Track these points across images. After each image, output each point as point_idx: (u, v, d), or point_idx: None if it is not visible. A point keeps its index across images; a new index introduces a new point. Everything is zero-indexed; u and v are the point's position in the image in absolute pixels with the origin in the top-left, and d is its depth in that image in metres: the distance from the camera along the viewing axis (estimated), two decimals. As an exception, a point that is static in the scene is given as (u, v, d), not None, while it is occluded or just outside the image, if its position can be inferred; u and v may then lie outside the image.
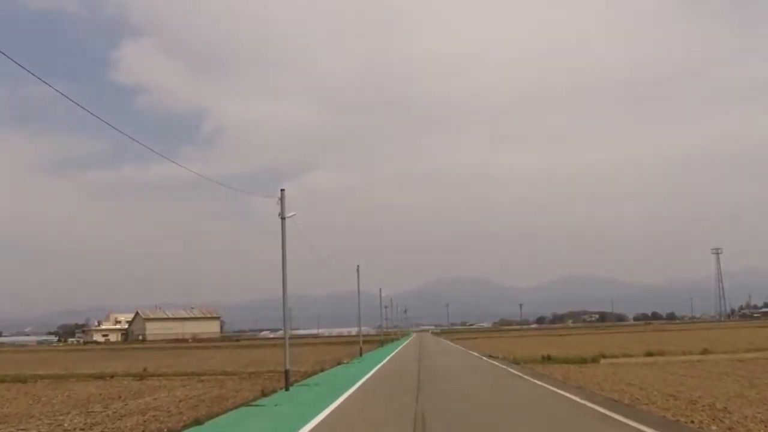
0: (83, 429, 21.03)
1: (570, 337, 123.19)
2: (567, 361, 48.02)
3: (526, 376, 35.29)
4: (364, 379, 36.82)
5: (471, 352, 74.98)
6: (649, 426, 17.08)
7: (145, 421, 22.17)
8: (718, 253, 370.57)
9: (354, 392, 29.00)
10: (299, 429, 17.75)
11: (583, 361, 47.30)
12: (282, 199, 32.20)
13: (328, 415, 20.91)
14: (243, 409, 24.35)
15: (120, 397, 31.27)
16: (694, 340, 78.62)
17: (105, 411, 25.70)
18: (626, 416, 18.92)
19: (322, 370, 47.72)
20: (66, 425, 21.85)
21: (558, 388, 28.18)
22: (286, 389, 31.34)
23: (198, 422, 20.02)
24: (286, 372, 31.90)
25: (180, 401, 28.72)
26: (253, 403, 26.18)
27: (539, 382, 31.24)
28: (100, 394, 33.18)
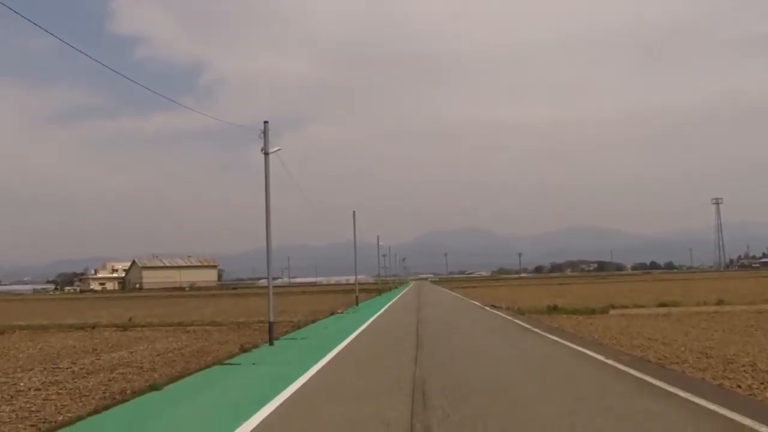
0: (39, 389, 18.57)
1: (571, 287, 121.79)
2: (575, 311, 45.64)
3: (536, 329, 32.32)
4: (357, 333, 33.77)
5: (472, 301, 72.45)
6: (696, 394, 13.95)
7: (110, 380, 19.78)
8: (718, 204, 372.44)
9: (344, 349, 25.83)
10: (267, 402, 14.47)
11: (591, 311, 45.03)
12: (265, 132, 29.09)
13: (309, 381, 17.72)
14: (215, 369, 21.27)
15: (95, 350, 29.08)
16: (704, 290, 76.26)
17: (72, 367, 23.43)
18: (663, 380, 15.83)
19: (314, 321, 44.97)
20: (22, 385, 19.45)
21: (575, 344, 25.11)
22: (270, 343, 28.50)
23: (155, 387, 16.96)
24: (270, 325, 29.04)
25: (158, 355, 26.58)
26: (229, 361, 23.16)
27: (553, 337, 28.22)
28: (74, 347, 30.92)
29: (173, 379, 19.01)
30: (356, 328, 36.33)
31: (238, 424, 12.13)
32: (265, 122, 29.36)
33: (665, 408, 12.75)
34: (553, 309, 47.41)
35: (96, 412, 14.19)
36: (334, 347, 26.17)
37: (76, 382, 19.71)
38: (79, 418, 13.49)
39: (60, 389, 18.33)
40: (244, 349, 26.21)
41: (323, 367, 20.39)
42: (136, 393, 16.56)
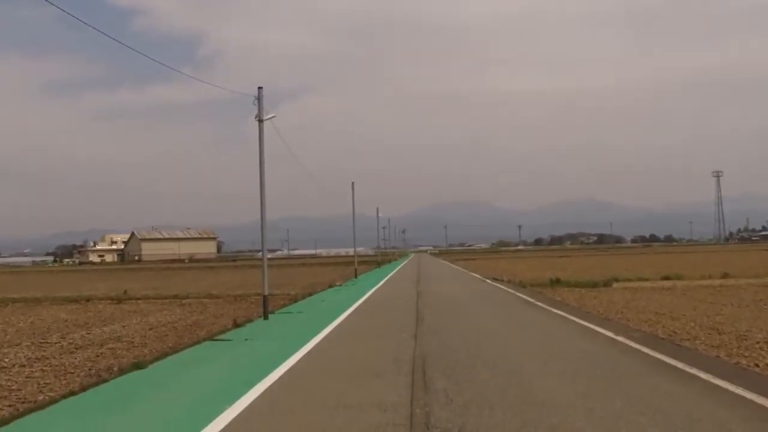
0: (23, 365, 17.78)
1: (572, 259, 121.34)
2: (577, 284, 44.81)
3: (539, 303, 31.34)
4: (354, 307, 32.70)
5: (472, 274, 71.66)
6: (717, 375, 12.97)
7: (97, 356, 19.00)
8: (718, 176, 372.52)
9: (340, 325, 24.79)
10: (255, 383, 13.39)
11: (594, 285, 44.17)
12: (259, 99, 27.99)
13: (301, 360, 16.61)
14: (206, 345, 20.29)
15: (86, 324, 28.26)
16: (706, 263, 75.46)
17: (61, 342, 22.66)
18: (678, 358, 14.81)
19: (311, 294, 44.08)
20: (6, 361, 18.67)
21: (581, 318, 24.16)
22: (265, 318, 27.52)
23: (139, 366, 15.99)
24: (264, 299, 28.09)
25: (150, 329, 25.81)
26: (221, 336, 22.17)
27: (557, 312, 27.24)
28: (66, 321, 30.13)
29: (161, 356, 18.06)
30: (354, 302, 35.34)
31: (222, 410, 11.14)
32: (260, 88, 28.26)
33: (686, 390, 11.81)
34: (556, 282, 46.58)
35: (72, 393, 13.22)
36: (331, 322, 25.21)
37: (62, 358, 18.94)
38: (53, 402, 12.57)
39: (45, 366, 17.55)
40: (237, 324, 25.23)
41: (317, 344, 19.35)
42: (121, 372, 15.62)
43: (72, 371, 16.56)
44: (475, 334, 20.76)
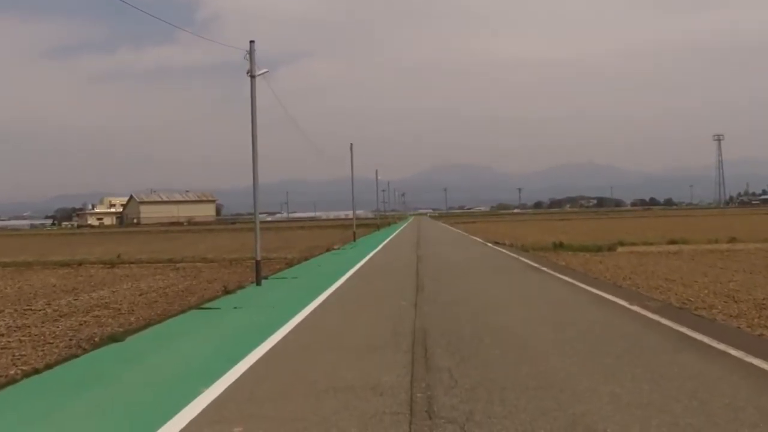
0: (2, 334, 16.71)
1: (573, 222, 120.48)
2: (581, 248, 43.72)
3: (545, 269, 30.08)
4: (351, 272, 31.46)
5: (473, 237, 70.55)
6: (749, 351, 11.61)
7: (80, 325, 17.92)
8: (719, 140, 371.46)
9: (336, 292, 23.50)
10: (240, 359, 12.14)
11: (598, 249, 43.08)
12: (251, 53, 26.61)
13: (292, 332, 15.29)
14: (191, 314, 19.07)
15: (74, 290, 27.23)
16: (710, 227, 74.47)
17: (45, 308, 21.60)
18: (700, 331, 13.49)
19: (307, 258, 42.96)
20: (-15, 329, 17.56)
21: (590, 285, 22.87)
22: (258, 283, 26.37)
23: (115, 339, 14.79)
24: (257, 264, 26.87)
25: (140, 295, 24.75)
26: (209, 305, 20.92)
27: (564, 278, 25.98)
28: (55, 286, 29.12)
29: (144, 326, 16.90)
30: (351, 267, 34.09)
31: (195, 394, 9.86)
32: (251, 42, 26.79)
33: (719, 371, 10.50)
34: (559, 246, 45.38)
35: (37, 372, 12.09)
36: (326, 289, 23.94)
37: (44, 326, 17.86)
38: (13, 381, 11.43)
39: (24, 335, 16.46)
40: (227, 291, 24.04)
41: (310, 314, 18.06)
42: (94, 345, 14.44)
43: (51, 341, 15.50)
44: (478, 303, 19.50)
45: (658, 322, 15.13)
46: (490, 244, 54.17)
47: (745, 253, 35.97)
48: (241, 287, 25.69)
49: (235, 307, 19.99)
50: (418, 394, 9.45)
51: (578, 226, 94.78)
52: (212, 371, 11.18)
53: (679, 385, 9.65)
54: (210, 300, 21.99)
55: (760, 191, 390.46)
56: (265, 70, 27.40)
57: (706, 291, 20.56)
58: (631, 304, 18.01)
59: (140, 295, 24.75)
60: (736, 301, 18.31)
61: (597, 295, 20.63)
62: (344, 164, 79.97)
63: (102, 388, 10.64)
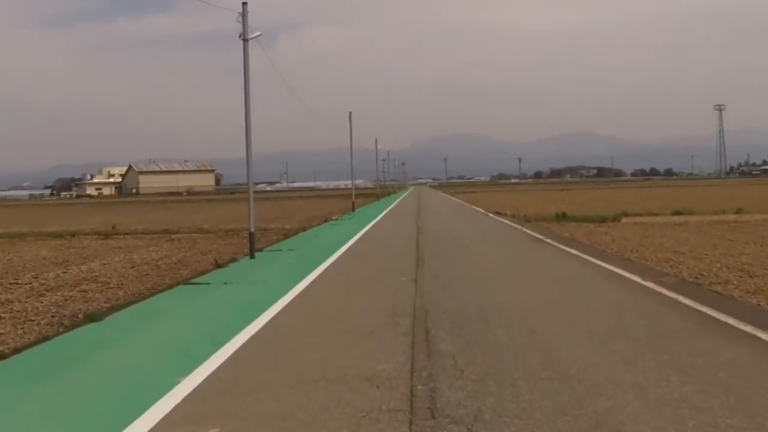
0: (-18, 310, 15.84)
1: (574, 192, 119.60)
2: (584, 219, 42.81)
3: (549, 240, 29.00)
4: (349, 244, 30.39)
5: (474, 207, 69.53)
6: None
7: (66, 300, 17.06)
8: (720, 110, 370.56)
9: (332, 265, 22.41)
10: (226, 342, 11.10)
11: (602, 219, 42.19)
12: (243, 15, 25.45)
13: (283, 310, 14.23)
14: (179, 289, 18.04)
15: (65, 262, 26.40)
16: (713, 198, 73.60)
17: (32, 282, 20.77)
18: (722, 310, 12.52)
19: (305, 229, 41.92)
20: (-35, 303, 16.72)
21: (597, 258, 21.84)
22: (251, 256, 25.33)
23: (92, 318, 13.76)
24: (251, 236, 25.75)
25: (132, 267, 23.86)
26: (199, 279, 19.87)
27: (570, 250, 24.96)
28: (45, 258, 28.31)
29: (129, 303, 15.94)
30: (349, 239, 32.99)
31: (170, 385, 8.80)
32: (244, 3, 25.68)
33: (755, 359, 9.47)
34: (561, 217, 44.44)
35: (4, 356, 11.17)
36: (322, 262, 22.86)
37: (28, 301, 16.99)
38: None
39: (6, 311, 15.62)
40: (218, 265, 22.99)
41: (304, 290, 16.98)
42: (68, 327, 13.43)
43: (33, 318, 14.64)
44: (482, 279, 18.47)
45: (676, 301, 14.09)
46: (491, 215, 53.14)
47: (753, 225, 35.08)
48: (234, 260, 24.68)
49: (226, 283, 18.97)
50: (419, 387, 8.42)
51: (579, 196, 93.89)
52: (192, 357, 10.19)
53: (710, 376, 8.62)
54: (201, 274, 21.02)
55: (761, 162, 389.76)
56: (258, 34, 26.26)
57: (718, 264, 19.67)
58: (644, 279, 16.95)
59: (132, 267, 23.95)
60: (751, 276, 17.42)
61: (607, 269, 19.61)
62: (344, 134, 78.94)
63: (64, 380, 9.62)
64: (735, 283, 16.26)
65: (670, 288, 15.56)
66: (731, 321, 11.81)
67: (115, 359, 10.64)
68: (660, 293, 15.11)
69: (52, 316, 14.88)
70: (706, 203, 58.99)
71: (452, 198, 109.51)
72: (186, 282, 19.19)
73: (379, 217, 55.83)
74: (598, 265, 20.53)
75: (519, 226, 38.36)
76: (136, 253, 29.59)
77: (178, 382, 8.87)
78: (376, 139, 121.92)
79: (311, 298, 15.94)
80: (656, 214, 45.91)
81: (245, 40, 25.56)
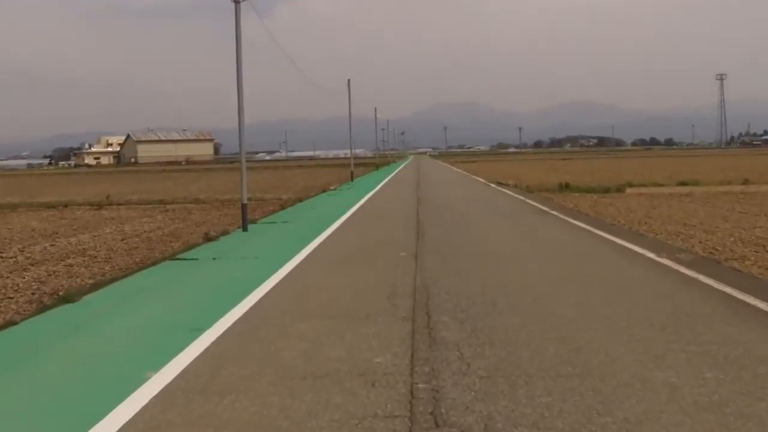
0: (-42, 286, 14.96)
1: (574, 162, 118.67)
2: (588, 190, 41.94)
3: (554, 212, 27.89)
4: (347, 216, 29.26)
5: (475, 177, 68.46)
6: None
7: (50, 275, 16.20)
8: (722, 79, 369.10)
9: (328, 239, 21.29)
10: (207, 328, 10.05)
11: (606, 190, 41.35)
12: (234, -26, 24.47)
13: (273, 290, 13.11)
14: (164, 266, 16.98)
15: (54, 234, 25.58)
16: (717, 168, 72.69)
17: (18, 255, 19.89)
18: (743, 290, 11.51)
19: (301, 200, 40.81)
20: (-58, 279, 15.83)
21: (606, 232, 20.75)
22: (244, 229, 24.26)
23: (66, 299, 12.77)
24: (243, 208, 24.62)
25: (122, 240, 23.02)
26: (186, 255, 18.77)
27: (577, 223, 23.94)
28: (35, 230, 27.56)
29: (113, 279, 14.96)
30: (347, 210, 31.86)
31: (141, 379, 7.78)
32: (234, -37, 24.68)
33: None
34: (564, 187, 43.51)
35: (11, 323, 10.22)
36: (317, 236, 21.73)
37: (10, 276, 16.12)
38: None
39: (-16, 286, 14.77)
40: (209, 238, 21.85)
41: (297, 267, 15.84)
42: (43, 307, 12.39)
43: (12, 295, 13.75)
44: (487, 255, 17.36)
45: (696, 280, 13.01)
46: (492, 185, 52.05)
47: (762, 196, 34.26)
48: (225, 233, 23.61)
49: (214, 258, 17.85)
50: (420, 385, 7.35)
51: (581, 166, 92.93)
52: (167, 347, 9.14)
53: (750, 373, 7.54)
54: (192, 248, 20.00)
55: (761, 132, 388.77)
56: (250, -7, 25.14)
57: (731, 238, 18.73)
58: (659, 255, 15.87)
59: (122, 240, 23.12)
60: (766, 250, 16.54)
61: (618, 244, 18.55)
62: (344, 103, 77.66)
63: (15, 376, 8.45)
64: (752, 258, 15.33)
65: (689, 265, 14.50)
66: (761, 305, 10.77)
67: (80, 350, 9.57)
68: (678, 271, 14.05)
69: (32, 293, 14.01)
70: (711, 174, 58.06)
71: (452, 167, 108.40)
72: (173, 257, 18.12)
73: (378, 187, 54.66)
74: (609, 240, 19.50)
75: (522, 197, 37.29)
76: (129, 224, 28.78)
77: (148, 378, 7.83)
78: (375, 108, 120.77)
79: (303, 276, 14.85)
80: (661, 185, 45.02)
81: (236, 2, 24.47)
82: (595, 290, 12.36)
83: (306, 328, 9.98)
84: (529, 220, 26.04)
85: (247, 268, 16.15)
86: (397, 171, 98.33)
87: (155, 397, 7.26)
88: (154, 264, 17.03)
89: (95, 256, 19.23)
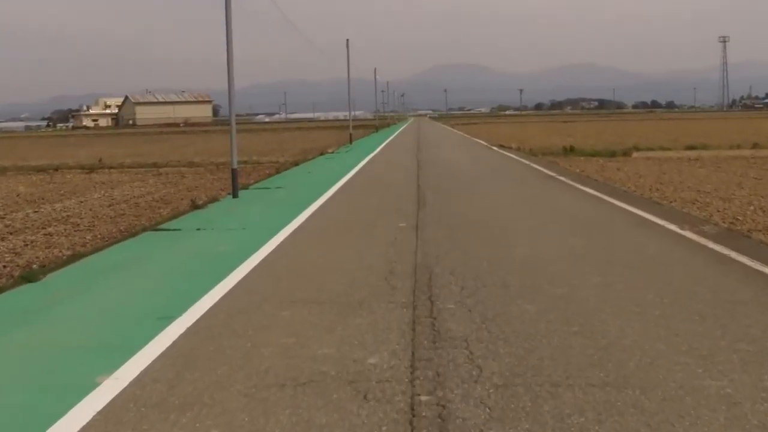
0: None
1: (576, 124, 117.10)
2: (593, 153, 40.61)
3: (562, 178, 26.43)
4: (343, 181, 27.79)
5: (476, 140, 67.01)
6: None
7: (26, 245, 15.22)
8: (725, 41, 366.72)
9: (321, 207, 19.80)
10: (178, 315, 8.72)
11: (612, 154, 40.06)
12: None
13: (258, 268, 11.72)
14: (144, 237, 15.58)
15: (40, 200, 24.39)
16: (722, 131, 71.17)
17: (-4, 224, 18.65)
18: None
19: (297, 164, 39.30)
20: None
21: (619, 200, 19.33)
22: (234, 195, 22.80)
23: (29, 278, 10.77)
24: (233, 174, 23.06)
25: (109, 206, 21.91)
26: (169, 225, 17.35)
27: (586, 189, 22.54)
28: (20, 195, 26.56)
29: (91, 251, 13.72)
30: (344, 175, 30.35)
31: (89, 386, 6.49)
32: None
33: None
34: (569, 150, 42.08)
35: None
36: (311, 203, 20.26)
37: (-18, 247, 15.00)
38: None
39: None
40: (196, 206, 20.42)
41: (286, 240, 14.42)
42: (13, 283, 11.08)
43: (-23, 269, 12.60)
44: (494, 226, 15.93)
45: (729, 258, 11.63)
46: (495, 148, 50.56)
47: (774, 160, 33.04)
48: (215, 200, 22.27)
49: (198, 229, 16.41)
50: (423, 398, 6.02)
51: (583, 129, 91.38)
52: (127, 342, 7.82)
53: None
54: (177, 216, 18.70)
55: (763, 95, 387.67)
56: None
57: (751, 207, 17.54)
58: (681, 228, 14.54)
59: (109, 206, 22.01)
60: (789, 219, 15.38)
61: (634, 214, 17.15)
62: (344, 65, 76.11)
63: None
64: (775, 228, 14.15)
65: (715, 239, 13.19)
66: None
67: (27, 345, 8.15)
68: (706, 247, 12.67)
69: (4, 266, 12.86)
70: (718, 137, 56.50)
71: (453, 130, 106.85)
72: (155, 228, 16.73)
73: (378, 150, 53.14)
74: (624, 209, 18.09)
75: (526, 161, 35.83)
76: (118, 189, 27.74)
77: (98, 385, 6.52)
78: (375, 69, 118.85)
79: (292, 250, 13.44)
80: (668, 149, 43.55)
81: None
82: (618, 270, 10.95)
83: (290, 318, 8.63)
84: (535, 187, 24.60)
85: (232, 241, 14.79)
86: (397, 133, 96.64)
87: (100, 413, 5.95)
88: (133, 235, 15.68)
89: (78, 224, 18.18)
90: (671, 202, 19.12)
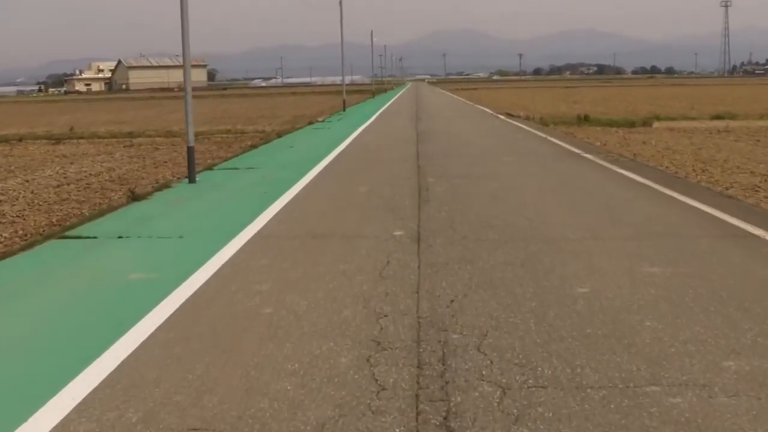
0: None
1: (579, 90, 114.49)
2: (611, 123, 37.13)
3: (587, 155, 22.48)
4: (330, 158, 23.38)
5: (479, 107, 63.04)
6: None
7: None
8: (727, 6, 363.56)
9: (298, 196, 15.59)
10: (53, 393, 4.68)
11: (631, 123, 36.72)
12: None
13: (195, 298, 7.67)
14: (49, 246, 11.18)
15: (-19, 177, 20.72)
16: (739, 98, 68.16)
17: None
18: None
19: (281, 135, 35.18)
20: None
21: (663, 185, 15.70)
22: (191, 180, 18.30)
23: None
24: (189, 152, 18.41)
25: (57, 186, 19.15)
26: (87, 226, 12.88)
27: (623, 172, 18.29)
28: None
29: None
30: (331, 150, 25.99)
31: None
32: None
33: None
34: (584, 120, 38.36)
35: None
36: (282, 194, 15.74)
37: None
38: None
39: None
40: (135, 197, 15.70)
41: (235, 257, 10.00)
42: None
43: None
44: (513, 218, 11.82)
45: None
46: (501, 117, 46.25)
47: (817, 132, 29.90)
48: (166, 186, 17.88)
49: (121, 237, 11.76)
50: None
51: (588, 95, 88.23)
52: None
53: None
54: (113, 210, 14.64)
55: (764, 60, 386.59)
56: None
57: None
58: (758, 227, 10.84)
59: (57, 186, 19.12)
60: None
61: (703, 212, 12.88)
62: (339, 27, 72.16)
63: None
64: None
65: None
66: None
67: None
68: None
69: None
70: (739, 105, 53.01)
71: (454, 95, 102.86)
72: (63, 234, 12.13)
73: (373, 118, 48.47)
74: (685, 204, 13.81)
75: (541, 133, 31.27)
76: (78, 163, 24.84)
77: None
78: (371, 32, 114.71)
79: (249, 273, 9.15)
80: (692, 118, 39.93)
81: None
82: (691, 293, 7.04)
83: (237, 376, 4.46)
84: (559, 168, 20.06)
85: (156, 260, 10.37)
86: (394, 99, 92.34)
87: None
88: (31, 246, 11.30)
89: (4, 213, 15.04)
90: (727, 188, 15.68)
